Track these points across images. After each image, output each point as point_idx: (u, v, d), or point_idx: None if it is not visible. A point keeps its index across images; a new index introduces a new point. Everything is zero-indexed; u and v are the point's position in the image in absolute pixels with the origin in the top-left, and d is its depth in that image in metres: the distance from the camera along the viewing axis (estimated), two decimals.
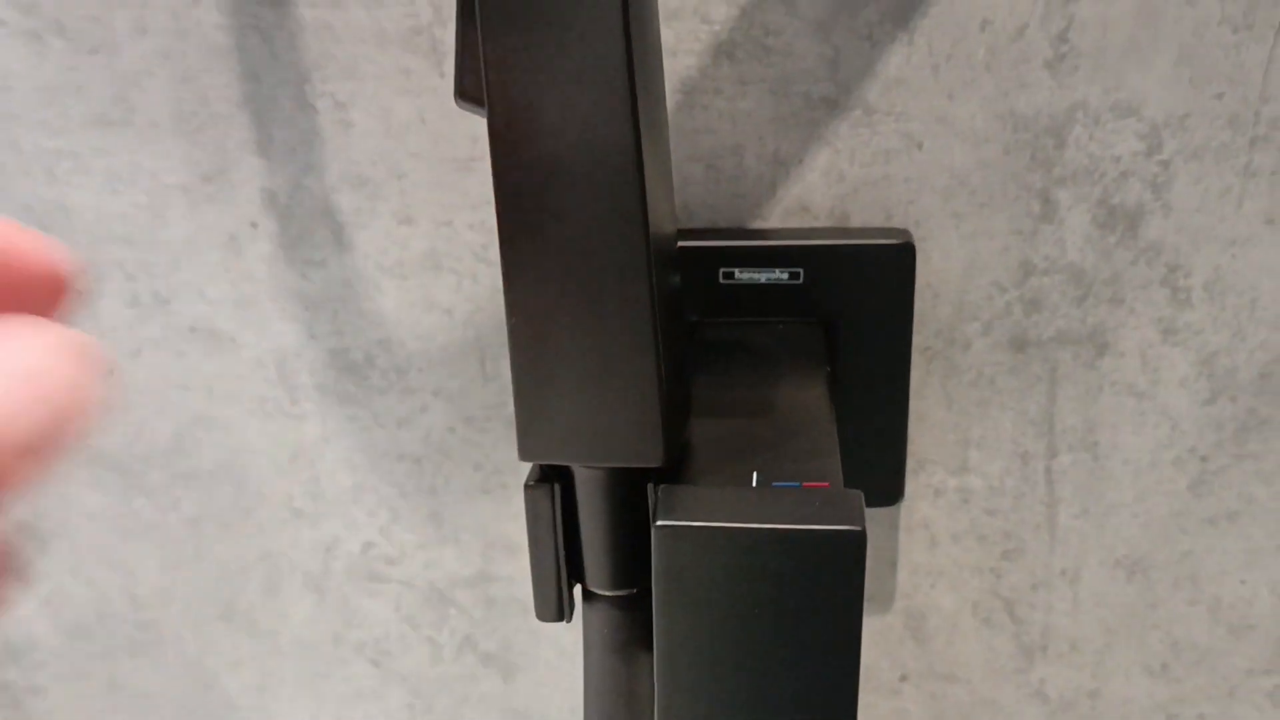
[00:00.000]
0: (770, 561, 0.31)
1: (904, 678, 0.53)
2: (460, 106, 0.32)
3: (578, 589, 0.37)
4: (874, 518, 0.50)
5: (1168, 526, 0.49)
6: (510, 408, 0.48)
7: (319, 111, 0.45)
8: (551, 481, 0.34)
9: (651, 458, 0.33)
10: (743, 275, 0.44)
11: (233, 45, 0.44)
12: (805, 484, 0.33)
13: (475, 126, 0.44)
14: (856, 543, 0.31)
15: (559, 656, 0.54)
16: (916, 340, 0.46)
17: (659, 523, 0.31)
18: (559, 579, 0.35)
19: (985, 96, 0.42)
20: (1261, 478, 0.47)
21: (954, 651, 0.52)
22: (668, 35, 0.42)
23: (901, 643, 0.52)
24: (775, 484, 0.33)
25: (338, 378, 0.49)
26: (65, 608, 0.56)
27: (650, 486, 0.33)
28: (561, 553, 0.35)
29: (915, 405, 0.47)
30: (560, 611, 0.36)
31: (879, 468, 0.47)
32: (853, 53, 0.42)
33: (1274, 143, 0.42)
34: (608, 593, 0.36)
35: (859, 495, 0.32)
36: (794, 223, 0.45)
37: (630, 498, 0.34)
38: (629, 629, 0.36)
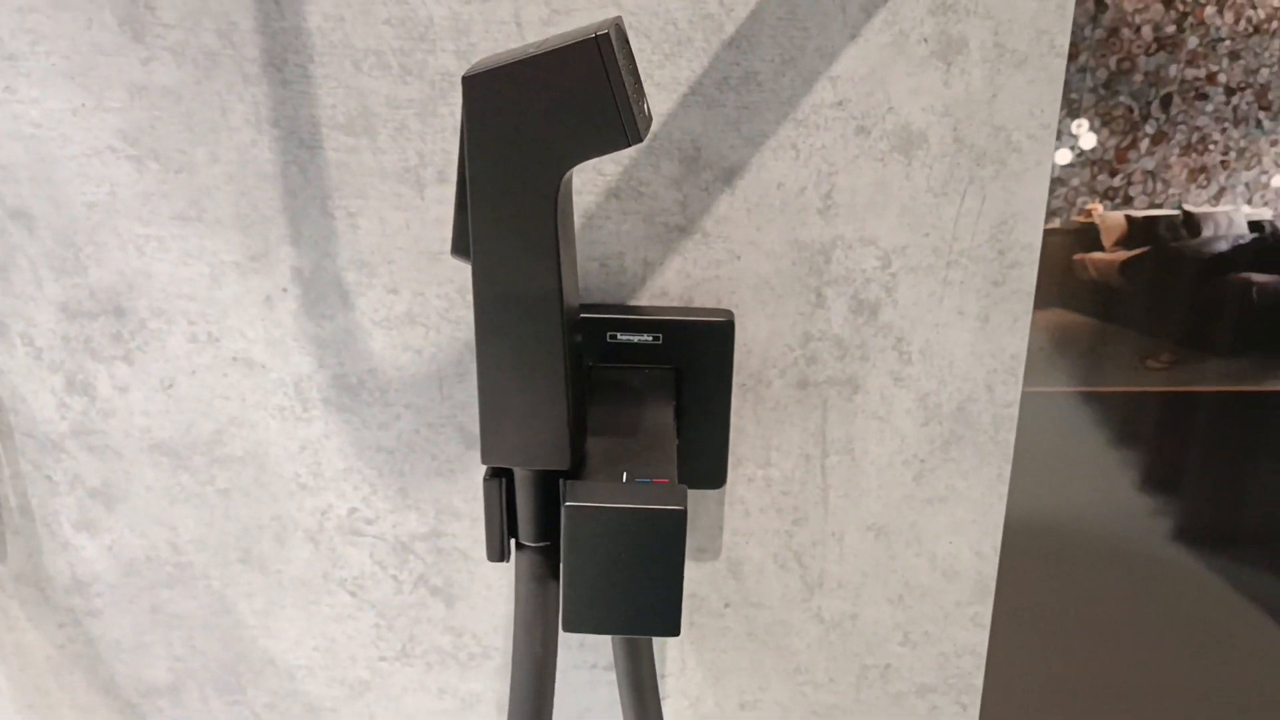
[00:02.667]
0: (630, 526, 0.54)
1: (727, 605, 0.77)
2: (454, 258, 0.53)
3: (512, 542, 0.59)
4: (707, 496, 0.73)
5: (900, 505, 0.73)
6: (458, 418, 0.70)
7: (336, 218, 0.66)
8: (500, 476, 0.57)
9: (562, 463, 0.55)
10: (622, 337, 0.66)
11: (278, 173, 0.65)
12: (655, 480, 0.56)
13: (443, 230, 0.66)
14: (680, 517, 0.53)
15: (487, 589, 0.77)
16: (737, 380, 0.70)
17: (567, 503, 0.54)
18: (502, 536, 0.58)
19: (780, 229, 0.65)
20: (961, 474, 0.72)
21: (761, 587, 0.76)
22: (577, 182, 0.64)
23: (725, 581, 0.76)
24: (638, 480, 0.56)
25: (338, 394, 0.71)
26: (122, 552, 0.76)
27: (561, 480, 0.56)
28: (504, 520, 0.57)
29: (735, 422, 0.71)
30: (502, 555, 0.58)
31: (710, 463, 0.70)
32: (695, 198, 0.65)
33: (960, 265, 0.66)
34: (532, 544, 0.58)
35: (684, 488, 0.55)
36: (657, 303, 0.68)
37: (548, 487, 0.57)
38: (544, 566, 0.59)
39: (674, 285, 0.67)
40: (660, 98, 0.62)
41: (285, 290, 0.68)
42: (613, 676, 0.78)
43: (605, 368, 0.67)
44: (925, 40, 0.61)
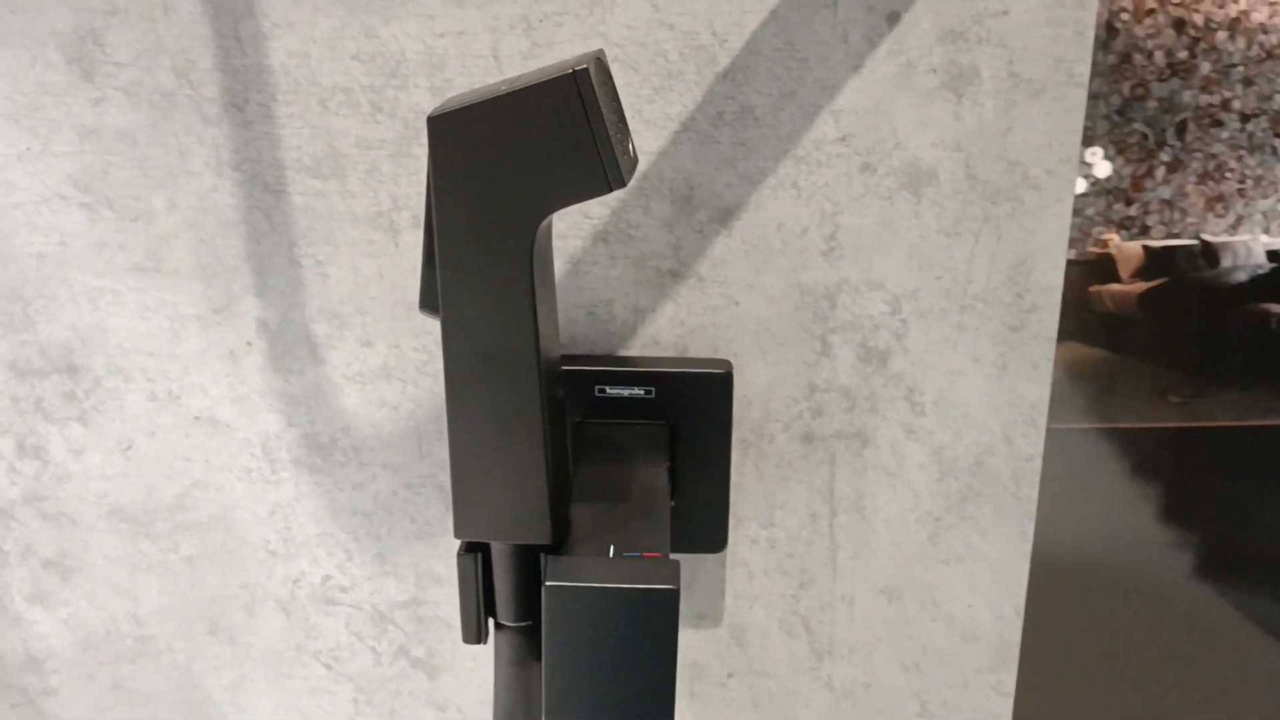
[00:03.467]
0: (618, 607, 0.49)
1: (730, 675, 0.72)
2: (422, 313, 0.48)
3: (490, 621, 0.54)
4: (706, 560, 0.68)
5: (914, 565, 0.68)
6: (438, 477, 0.65)
7: (303, 266, 0.61)
8: (476, 551, 0.52)
9: (543, 537, 0.50)
10: (612, 391, 0.62)
11: (241, 219, 0.60)
12: (645, 554, 0.51)
13: (419, 279, 0.61)
14: (672, 597, 0.48)
15: (472, 661, 0.71)
16: (737, 434, 0.65)
17: (547, 583, 0.49)
18: (479, 615, 0.53)
19: (780, 272, 0.61)
20: (979, 532, 0.67)
21: (766, 654, 0.71)
22: (561, 225, 0.60)
23: (728, 648, 0.71)
24: (626, 554, 0.51)
25: (309, 454, 0.66)
26: (79, 626, 0.71)
27: (542, 555, 0.51)
28: (481, 598, 0.52)
29: (736, 479, 0.66)
30: (479, 637, 0.53)
31: (709, 526, 0.65)
32: (689, 241, 0.60)
33: (975, 309, 0.61)
34: (512, 624, 0.53)
35: (678, 563, 0.50)
36: (649, 353, 0.63)
37: (529, 561, 0.52)
38: (526, 648, 0.54)
39: (667, 334, 0.62)
40: (650, 135, 0.58)
41: (250, 344, 0.63)
42: None
43: (594, 424, 0.62)
44: (934, 70, 0.56)
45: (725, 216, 0.59)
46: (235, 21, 0.56)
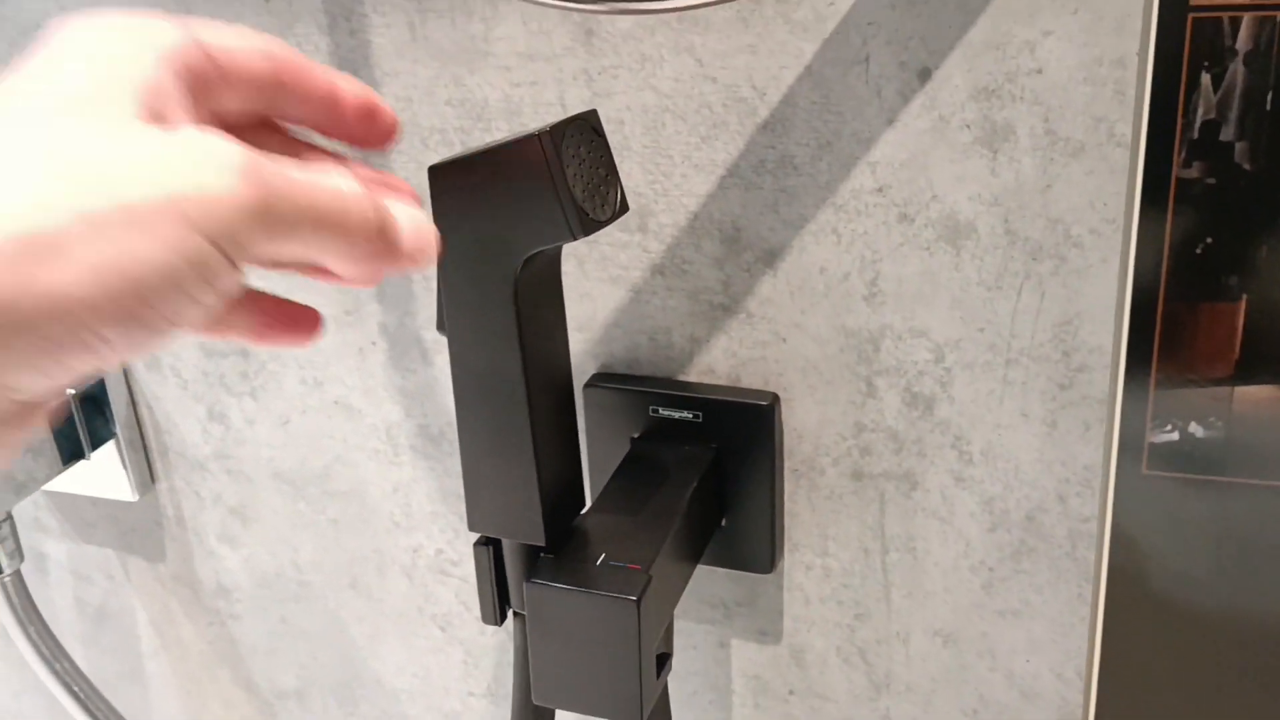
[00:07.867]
0: (585, 610, 0.54)
1: (791, 692, 0.74)
2: (440, 333, 0.56)
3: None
4: (765, 582, 0.71)
5: (969, 613, 0.68)
6: None
7: (414, 280, 0.70)
8: (489, 544, 0.59)
9: (538, 539, 0.57)
10: (664, 412, 0.67)
11: None
12: (629, 565, 0.56)
13: None
14: (632, 606, 0.53)
15: None
16: (789, 465, 0.68)
17: (529, 580, 0.55)
18: (494, 600, 0.60)
19: (825, 314, 0.63)
20: (1035, 588, 0.66)
21: (825, 679, 0.73)
22: (624, 258, 0.65)
23: (789, 668, 0.74)
24: (612, 563, 0.57)
25: (423, 443, 0.76)
26: (256, 566, 0.85)
27: (541, 555, 0.57)
28: (494, 585, 0.59)
29: (790, 507, 0.69)
30: (496, 619, 0.61)
31: (756, 547, 0.68)
32: (738, 279, 0.64)
33: (1021, 364, 0.61)
34: (522, 612, 0.60)
35: (647, 576, 0.55)
36: (705, 380, 0.67)
37: (533, 559, 0.58)
38: None
39: (721, 363, 0.66)
40: (699, 179, 0.62)
41: (374, 344, 0.73)
42: None
43: (645, 442, 0.67)
44: (968, 126, 0.57)
45: (770, 258, 0.63)
46: (355, 70, 0.66)
